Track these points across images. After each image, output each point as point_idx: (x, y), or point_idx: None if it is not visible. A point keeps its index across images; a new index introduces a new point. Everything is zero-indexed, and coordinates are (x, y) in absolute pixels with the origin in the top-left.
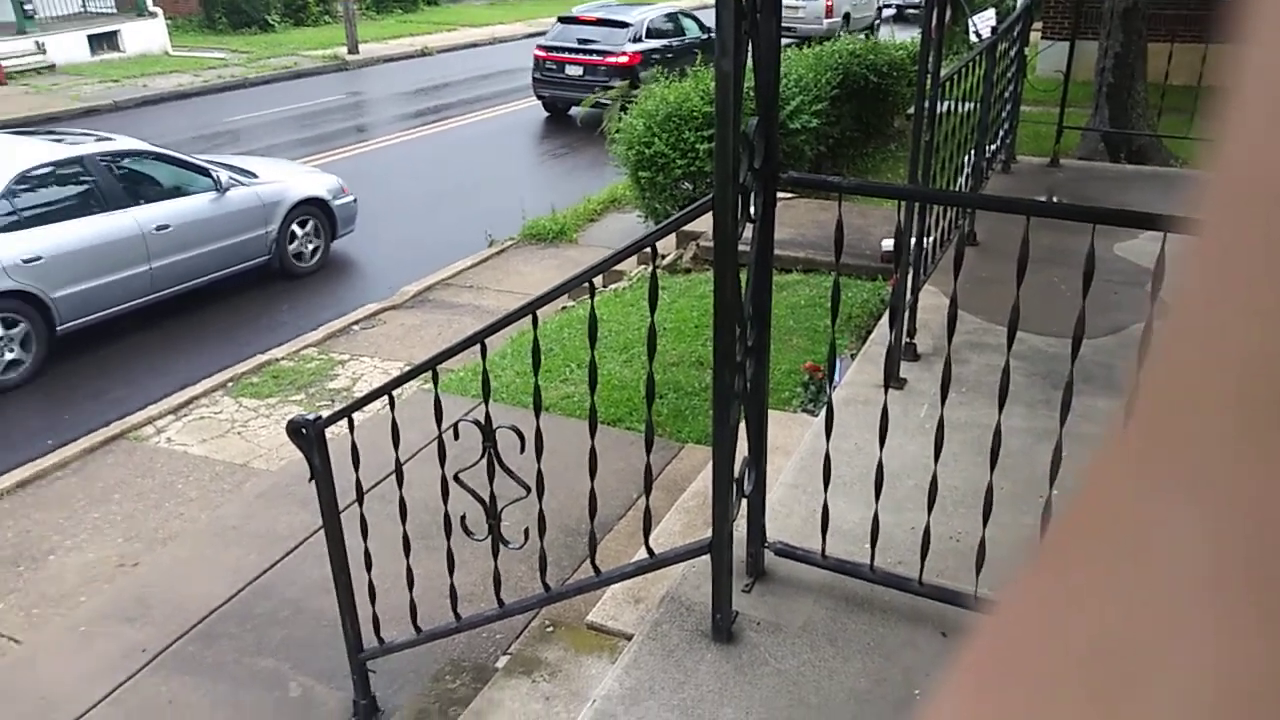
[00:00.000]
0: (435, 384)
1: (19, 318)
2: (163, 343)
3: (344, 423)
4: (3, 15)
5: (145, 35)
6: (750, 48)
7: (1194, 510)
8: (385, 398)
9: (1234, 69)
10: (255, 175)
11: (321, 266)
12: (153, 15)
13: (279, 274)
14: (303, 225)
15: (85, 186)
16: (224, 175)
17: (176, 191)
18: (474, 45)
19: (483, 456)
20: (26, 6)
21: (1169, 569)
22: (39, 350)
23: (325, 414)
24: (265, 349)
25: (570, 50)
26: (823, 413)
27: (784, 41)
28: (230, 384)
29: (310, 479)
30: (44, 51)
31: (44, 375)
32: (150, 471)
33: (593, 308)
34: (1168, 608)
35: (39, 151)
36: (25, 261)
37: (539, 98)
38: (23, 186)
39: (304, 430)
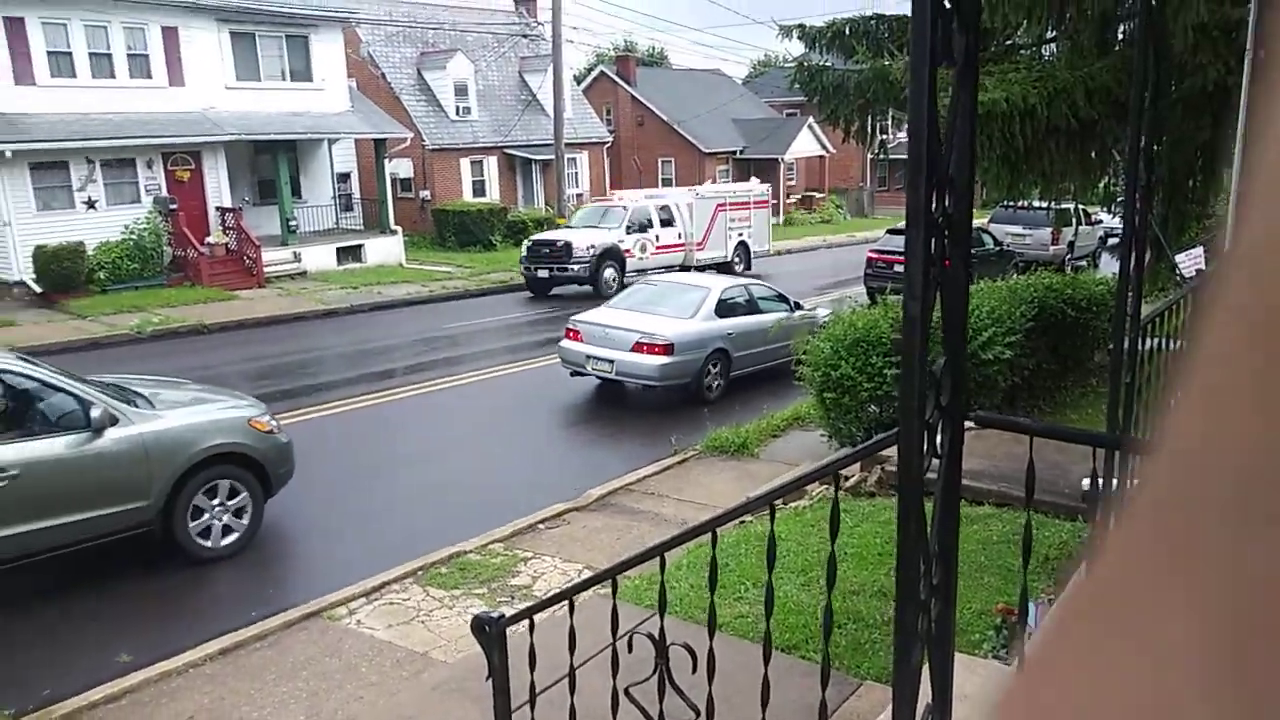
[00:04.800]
0: (614, 593)
1: (719, 361)
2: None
3: (524, 622)
4: (272, 229)
5: (384, 249)
6: (939, 293)
7: (1186, 592)
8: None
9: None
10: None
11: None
12: (393, 232)
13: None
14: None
15: (742, 300)
16: (792, 303)
17: (765, 308)
18: None
19: (654, 672)
20: (291, 223)
21: (1164, 639)
22: (726, 382)
23: (509, 612)
24: None
25: (898, 253)
26: (1016, 662)
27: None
28: (420, 572)
29: (487, 677)
30: (299, 260)
31: (726, 393)
32: (338, 651)
33: (772, 532)
34: (1164, 673)
35: (726, 282)
36: (728, 334)
37: (868, 289)
38: (723, 298)
39: (487, 628)
